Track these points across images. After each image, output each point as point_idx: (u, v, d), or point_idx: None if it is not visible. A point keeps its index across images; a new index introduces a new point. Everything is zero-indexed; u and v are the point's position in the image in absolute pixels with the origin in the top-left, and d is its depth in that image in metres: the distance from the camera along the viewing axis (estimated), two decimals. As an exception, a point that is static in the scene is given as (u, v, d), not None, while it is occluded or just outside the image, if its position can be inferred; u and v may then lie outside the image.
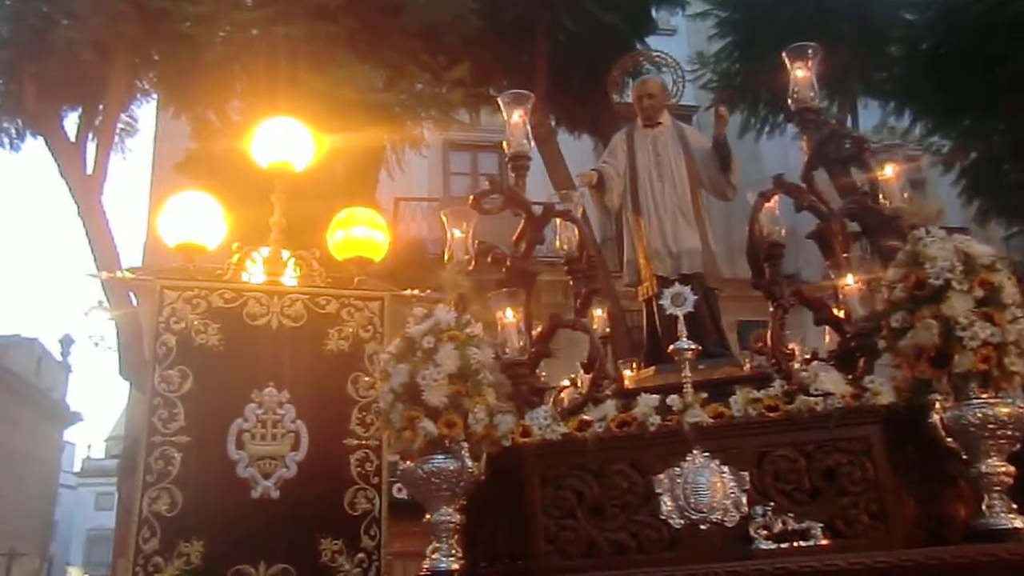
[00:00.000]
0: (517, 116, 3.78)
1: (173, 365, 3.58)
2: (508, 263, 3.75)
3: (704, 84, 12.49)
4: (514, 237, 3.81)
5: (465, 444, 3.06)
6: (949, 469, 2.96)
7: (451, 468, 3.03)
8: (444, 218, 3.84)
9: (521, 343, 3.45)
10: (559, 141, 11.27)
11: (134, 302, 9.72)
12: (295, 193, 4.18)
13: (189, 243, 3.82)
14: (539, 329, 3.69)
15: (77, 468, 30.34)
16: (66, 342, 24.20)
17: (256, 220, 4.17)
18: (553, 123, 11.57)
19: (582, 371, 3.59)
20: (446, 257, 3.75)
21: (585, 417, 3.21)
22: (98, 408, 78.16)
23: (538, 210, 3.68)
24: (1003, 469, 2.74)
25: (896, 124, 11.80)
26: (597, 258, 9.80)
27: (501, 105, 3.80)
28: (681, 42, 13.59)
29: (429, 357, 3.04)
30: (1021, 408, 2.76)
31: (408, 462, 3.11)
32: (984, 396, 2.78)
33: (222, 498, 3.47)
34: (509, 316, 3.44)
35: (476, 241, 3.87)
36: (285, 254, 3.98)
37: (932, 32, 10.81)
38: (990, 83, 10.06)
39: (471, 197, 3.80)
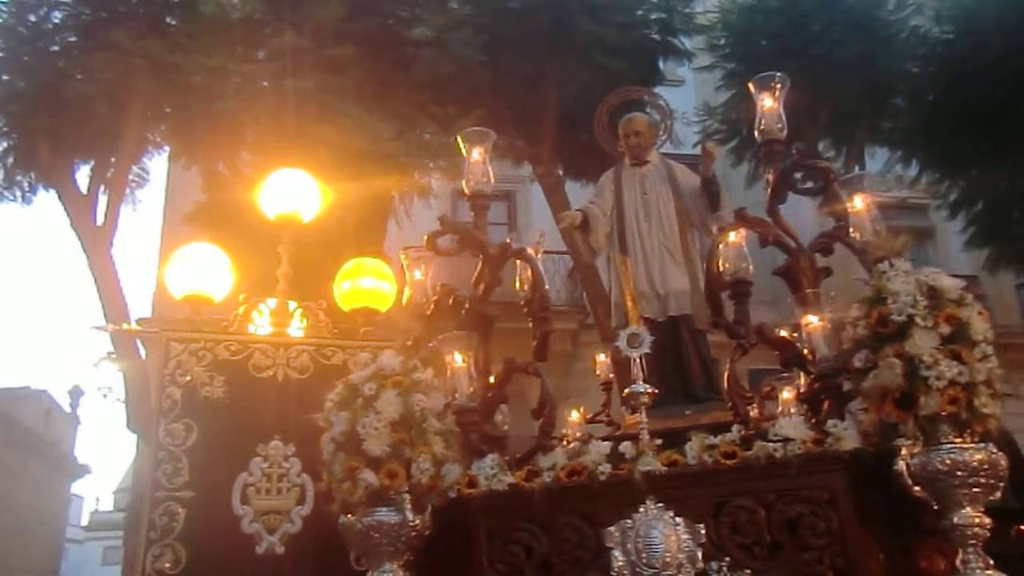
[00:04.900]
0: (477, 154, 3.69)
1: (178, 418, 3.52)
2: (466, 306, 3.62)
3: (711, 134, 12.45)
4: (473, 279, 3.69)
5: (408, 496, 2.90)
6: (923, 520, 2.73)
7: (392, 521, 2.89)
8: (404, 261, 3.74)
9: (472, 389, 3.29)
10: (567, 191, 11.22)
11: (142, 353, 9.71)
12: (303, 243, 4.15)
13: (196, 294, 3.79)
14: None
15: (85, 522, 29.83)
16: (75, 394, 23.95)
17: (265, 270, 4.14)
18: (560, 173, 11.55)
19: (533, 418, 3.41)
20: (404, 301, 3.64)
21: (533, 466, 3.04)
22: (107, 460, 77.82)
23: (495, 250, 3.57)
24: (978, 520, 2.52)
25: (904, 172, 11.63)
26: (601, 303, 9.72)
27: (461, 143, 3.72)
28: (688, 93, 13.60)
29: (370, 404, 2.92)
30: (994, 454, 2.54)
31: (349, 515, 2.95)
32: (958, 441, 2.57)
33: (226, 555, 3.36)
34: (459, 361, 3.29)
35: (438, 284, 3.77)
36: (292, 305, 3.93)
37: (937, 84, 10.74)
38: (996, 133, 9.91)
39: (426, 238, 3.70)
